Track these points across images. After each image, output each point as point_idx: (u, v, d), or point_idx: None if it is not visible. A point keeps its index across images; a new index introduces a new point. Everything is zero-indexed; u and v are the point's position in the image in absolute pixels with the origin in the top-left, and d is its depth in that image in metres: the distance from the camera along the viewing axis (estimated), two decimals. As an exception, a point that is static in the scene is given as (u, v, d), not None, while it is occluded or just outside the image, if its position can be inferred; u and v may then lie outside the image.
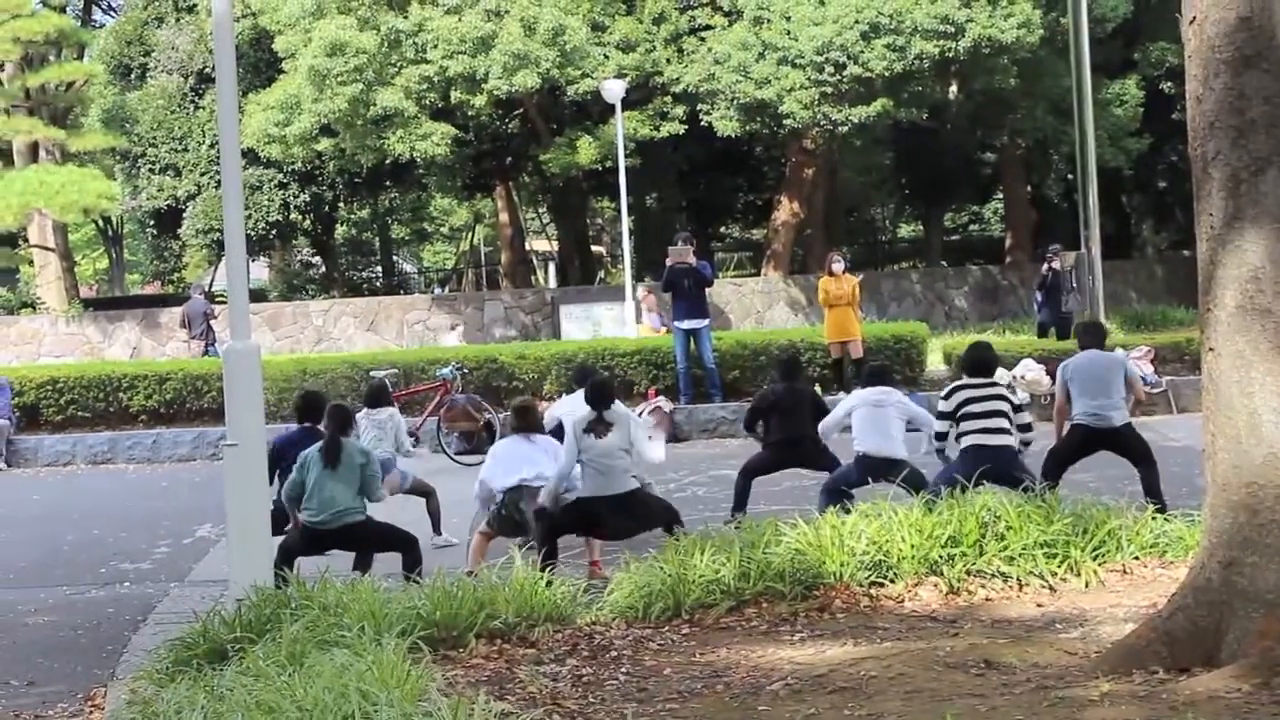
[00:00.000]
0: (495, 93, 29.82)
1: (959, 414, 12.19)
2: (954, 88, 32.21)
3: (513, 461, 11.94)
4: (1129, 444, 12.70)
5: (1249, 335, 7.30)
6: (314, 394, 13.45)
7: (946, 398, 12.38)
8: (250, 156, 33.30)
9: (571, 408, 13.38)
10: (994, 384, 12.40)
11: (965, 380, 12.45)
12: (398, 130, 30.90)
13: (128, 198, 38.40)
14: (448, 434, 20.34)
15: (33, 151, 37.98)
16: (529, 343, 27.52)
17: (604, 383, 12.10)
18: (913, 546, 9.91)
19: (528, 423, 12.23)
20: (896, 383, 13.64)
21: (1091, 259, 24.87)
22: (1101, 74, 31.19)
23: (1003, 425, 12.10)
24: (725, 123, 30.54)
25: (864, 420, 12.71)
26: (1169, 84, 34.17)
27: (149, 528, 15.85)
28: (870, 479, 12.60)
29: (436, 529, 13.73)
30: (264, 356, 11.33)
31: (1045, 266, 25.68)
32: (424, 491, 13.94)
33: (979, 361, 12.54)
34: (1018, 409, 12.29)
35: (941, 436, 12.43)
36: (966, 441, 12.14)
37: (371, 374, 20.84)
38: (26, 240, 40.47)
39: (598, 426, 11.47)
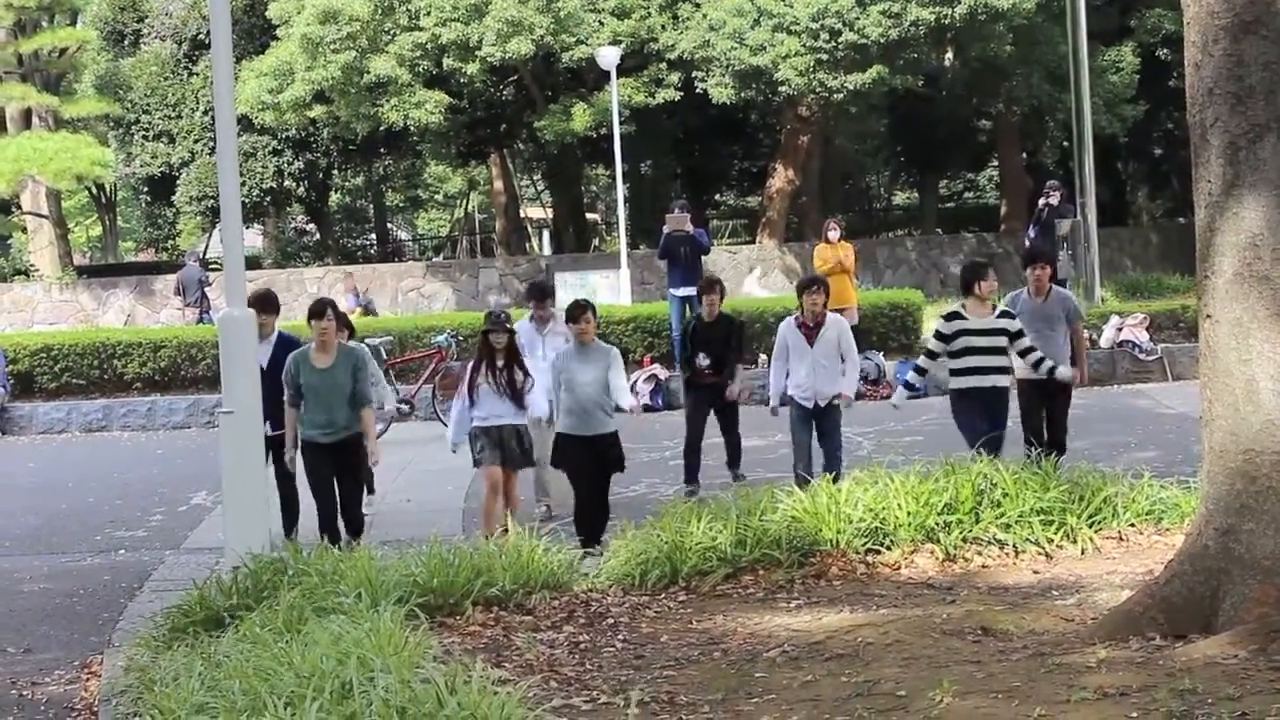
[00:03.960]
0: (489, 60, 29.70)
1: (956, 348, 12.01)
2: (950, 55, 32.09)
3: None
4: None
5: (1247, 302, 7.29)
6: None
7: (947, 319, 12.11)
8: (244, 123, 33.16)
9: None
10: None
11: (965, 313, 12.12)
12: (392, 98, 30.78)
13: (121, 164, 38.25)
14: (443, 402, 20.29)
15: (26, 118, 37.85)
16: (525, 309, 27.45)
17: (580, 303, 12.13)
18: (909, 514, 9.92)
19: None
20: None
21: (1087, 226, 24.78)
22: (1098, 41, 31.08)
23: (1002, 364, 12.00)
24: (720, 90, 30.43)
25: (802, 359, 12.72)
26: (1165, 50, 34.06)
27: (144, 495, 15.86)
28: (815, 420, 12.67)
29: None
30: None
31: (1042, 201, 24.89)
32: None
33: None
34: (1017, 335, 12.08)
35: (922, 371, 12.33)
36: (965, 383, 12.01)
37: (366, 341, 20.79)
38: (20, 207, 40.36)
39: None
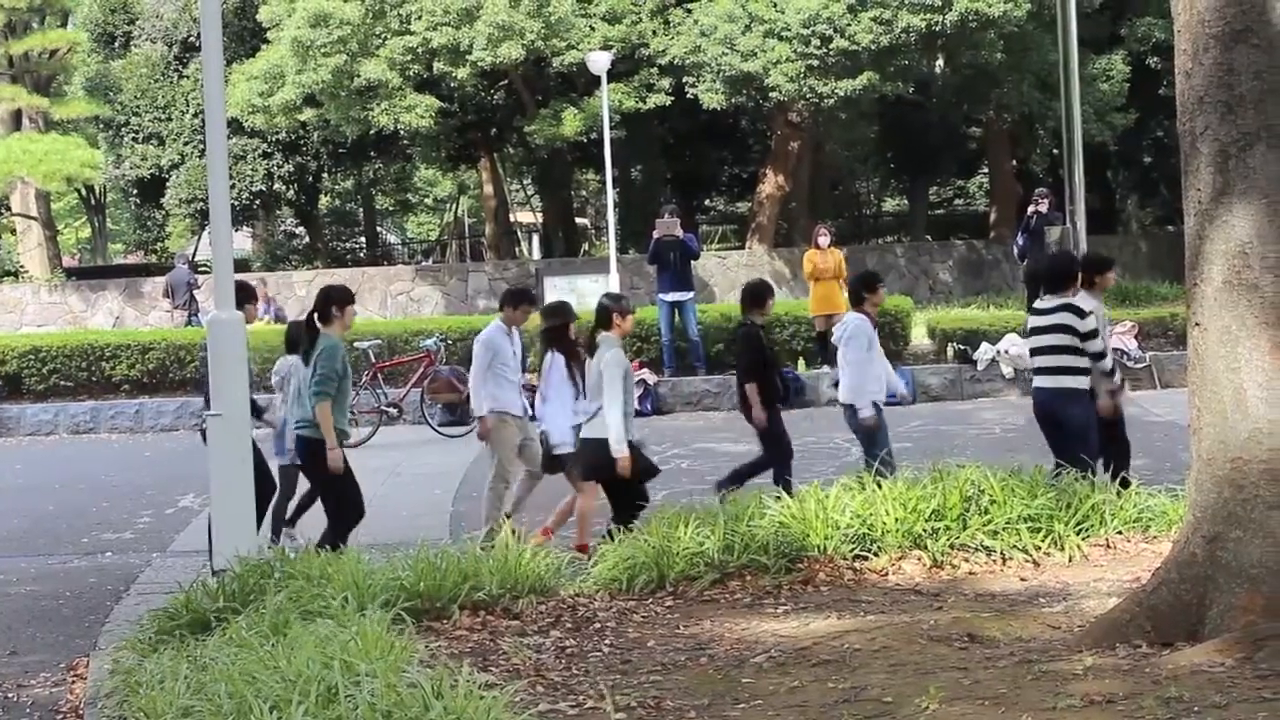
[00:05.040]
0: (480, 64, 29.69)
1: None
2: (940, 62, 32.14)
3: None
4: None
5: (1236, 311, 7.30)
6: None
7: (1087, 312, 11.22)
8: (234, 126, 33.10)
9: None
10: (1059, 308, 11.36)
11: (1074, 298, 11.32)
12: (382, 102, 30.77)
13: (111, 166, 38.21)
14: (431, 406, 20.31)
15: (15, 119, 37.83)
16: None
17: (599, 305, 11.61)
18: (896, 520, 9.92)
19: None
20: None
21: (1076, 234, 24.79)
22: (1088, 49, 31.12)
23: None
24: (711, 95, 30.45)
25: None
26: (1155, 59, 34.13)
27: (131, 497, 15.84)
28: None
29: (293, 522, 12.56)
30: (247, 327, 11.20)
31: (1031, 209, 24.84)
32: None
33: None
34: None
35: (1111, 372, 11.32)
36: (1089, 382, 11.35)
37: (355, 345, 20.81)
38: (9, 209, 40.29)
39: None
